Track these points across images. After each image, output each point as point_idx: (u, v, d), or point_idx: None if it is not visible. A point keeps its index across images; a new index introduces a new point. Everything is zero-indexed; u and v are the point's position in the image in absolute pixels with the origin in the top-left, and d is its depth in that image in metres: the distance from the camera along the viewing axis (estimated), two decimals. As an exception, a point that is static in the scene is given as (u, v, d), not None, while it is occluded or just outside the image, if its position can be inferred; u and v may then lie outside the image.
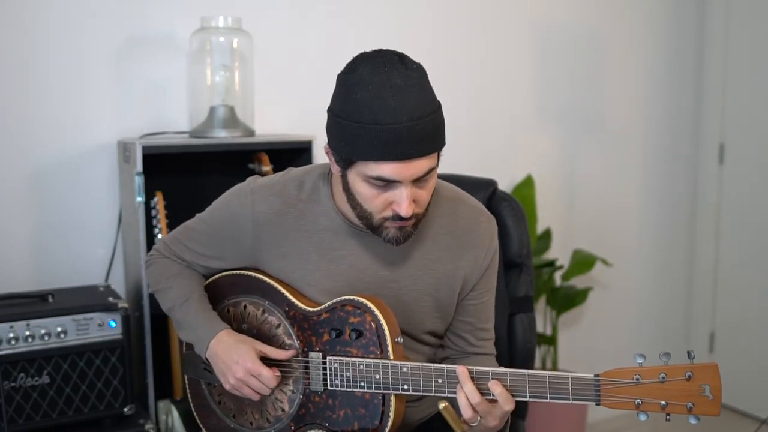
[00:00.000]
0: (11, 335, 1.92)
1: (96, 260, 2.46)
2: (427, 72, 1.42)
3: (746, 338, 3.54)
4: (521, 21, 3.17)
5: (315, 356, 1.52)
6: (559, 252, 3.28)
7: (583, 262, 3.18)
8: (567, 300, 3.17)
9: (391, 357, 1.45)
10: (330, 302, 1.52)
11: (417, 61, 1.41)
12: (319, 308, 1.53)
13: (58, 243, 2.41)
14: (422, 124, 1.34)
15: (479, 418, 1.39)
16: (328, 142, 1.44)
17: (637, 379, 1.29)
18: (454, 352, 1.65)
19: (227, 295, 1.67)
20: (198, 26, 2.39)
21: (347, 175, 1.42)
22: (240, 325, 1.63)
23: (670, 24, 3.55)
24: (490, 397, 1.38)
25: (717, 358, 3.62)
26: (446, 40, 3.01)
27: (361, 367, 1.47)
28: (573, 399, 1.33)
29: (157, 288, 1.68)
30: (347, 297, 1.50)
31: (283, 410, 1.58)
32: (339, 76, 1.41)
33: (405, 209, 1.38)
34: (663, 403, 1.28)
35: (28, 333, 1.94)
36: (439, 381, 1.42)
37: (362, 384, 1.47)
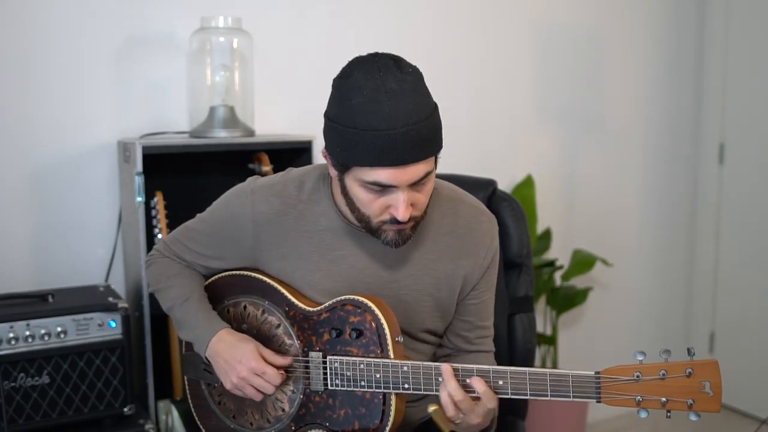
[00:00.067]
0: (11, 335, 1.92)
1: (96, 260, 2.46)
2: (427, 72, 1.41)
3: (746, 338, 3.54)
4: (521, 21, 3.17)
5: (315, 356, 1.52)
6: (559, 252, 3.28)
7: (583, 262, 3.18)
8: (567, 300, 3.17)
9: (392, 356, 1.45)
10: (330, 302, 1.52)
11: (414, 62, 1.41)
12: (319, 308, 1.53)
13: (58, 243, 2.41)
14: (418, 128, 1.34)
15: (461, 415, 1.40)
16: (325, 146, 1.44)
17: (638, 376, 1.29)
18: (453, 351, 1.65)
19: (227, 295, 1.66)
20: (198, 26, 2.39)
21: (344, 179, 1.43)
22: (240, 325, 1.63)
23: (670, 24, 3.55)
24: (474, 395, 1.39)
25: (717, 358, 3.58)
26: (446, 40, 3.01)
27: (362, 366, 1.47)
28: (574, 396, 1.33)
29: (158, 287, 1.68)
30: (347, 296, 1.50)
31: (283, 410, 1.58)
32: (334, 80, 1.41)
33: (402, 213, 1.38)
34: (663, 399, 1.28)
35: (28, 333, 1.94)
36: (440, 380, 1.42)
37: (363, 383, 1.47)
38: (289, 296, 1.56)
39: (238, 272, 1.65)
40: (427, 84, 1.41)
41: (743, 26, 3.49)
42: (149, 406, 2.21)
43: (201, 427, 1.73)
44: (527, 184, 3.13)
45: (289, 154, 2.45)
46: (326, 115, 1.42)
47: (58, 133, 2.39)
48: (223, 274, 1.67)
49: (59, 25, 2.35)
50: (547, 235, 3.22)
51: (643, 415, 1.30)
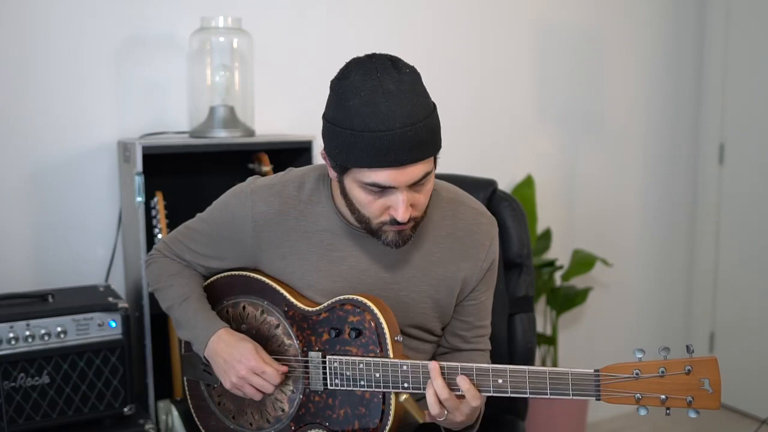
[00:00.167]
0: (11, 335, 1.92)
1: (96, 260, 2.46)
2: (427, 72, 1.41)
3: (746, 338, 3.54)
4: (521, 21, 3.17)
5: (314, 356, 1.52)
6: (559, 252, 3.28)
7: (583, 262, 3.18)
8: (567, 300, 3.17)
9: (391, 355, 1.45)
10: (329, 302, 1.52)
11: (414, 62, 1.41)
12: (318, 308, 1.53)
13: (58, 243, 2.41)
14: (416, 129, 1.34)
15: (446, 412, 1.41)
16: (324, 148, 1.44)
17: (637, 374, 1.29)
18: (450, 349, 1.66)
19: (226, 295, 1.66)
20: (198, 26, 2.39)
21: (344, 180, 1.43)
22: (239, 325, 1.63)
23: (670, 24, 3.55)
24: (459, 393, 1.39)
25: (717, 358, 3.61)
26: (446, 40, 3.01)
27: (361, 366, 1.47)
28: (573, 394, 1.33)
29: (157, 287, 1.68)
30: (346, 296, 1.50)
31: (282, 410, 1.58)
32: (332, 82, 1.41)
33: (402, 214, 1.38)
34: (663, 397, 1.28)
35: (28, 333, 1.94)
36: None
37: (362, 383, 1.47)
38: (288, 296, 1.56)
39: (237, 272, 1.65)
40: (426, 84, 1.41)
41: (743, 26, 3.49)
42: (149, 406, 2.22)
43: (201, 427, 1.73)
44: (527, 184, 3.13)
45: (289, 154, 2.45)
46: (324, 116, 1.42)
47: (58, 133, 2.39)
48: (223, 274, 1.67)
49: (59, 25, 2.35)
50: (547, 235, 3.22)
51: (643, 412, 1.30)
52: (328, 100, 1.42)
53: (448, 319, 1.63)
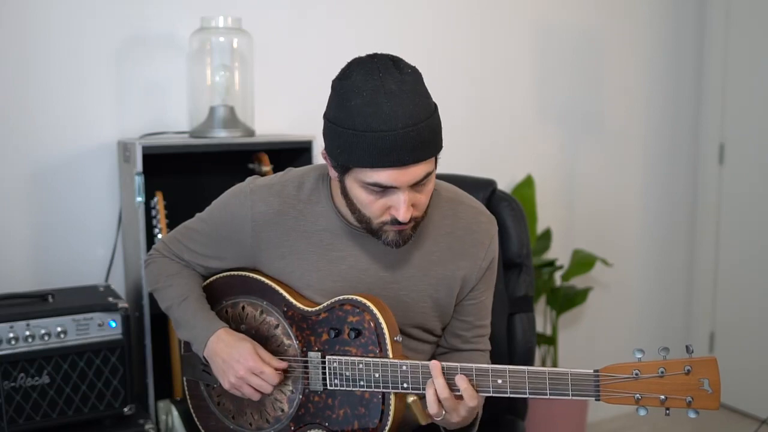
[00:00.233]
0: (11, 335, 1.92)
1: (96, 260, 2.46)
2: (427, 72, 1.41)
3: (746, 338, 3.54)
4: (521, 21, 3.17)
5: (314, 356, 1.52)
6: (559, 252, 3.28)
7: (583, 262, 3.18)
8: (567, 300, 3.17)
9: (391, 356, 1.45)
10: (328, 302, 1.52)
11: (414, 62, 1.41)
12: (317, 308, 1.53)
13: (58, 243, 2.41)
14: (417, 129, 1.34)
15: (443, 412, 1.41)
16: (325, 148, 1.44)
17: (637, 374, 1.29)
18: (449, 349, 1.66)
19: (225, 296, 1.66)
20: (198, 26, 2.39)
21: (344, 180, 1.43)
22: (238, 325, 1.63)
23: (670, 24, 3.55)
24: (458, 393, 1.39)
25: (717, 358, 3.61)
26: (446, 40, 3.01)
27: (361, 366, 1.47)
28: (573, 395, 1.33)
29: (156, 287, 1.68)
30: (346, 296, 1.49)
31: (282, 410, 1.58)
32: (333, 81, 1.41)
33: (403, 214, 1.38)
34: (662, 397, 1.28)
35: (28, 333, 1.94)
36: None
37: (361, 383, 1.47)
38: (288, 296, 1.56)
39: (236, 272, 1.65)
40: (427, 84, 1.41)
41: (743, 26, 3.49)
42: (149, 406, 2.22)
43: (200, 427, 1.73)
44: (527, 184, 3.13)
45: (289, 154, 2.45)
46: (326, 116, 1.42)
47: (58, 133, 2.39)
48: (222, 274, 1.67)
49: (59, 25, 2.35)
50: (547, 235, 3.22)
51: (642, 413, 1.30)
52: (330, 99, 1.42)
53: (447, 318, 1.63)
